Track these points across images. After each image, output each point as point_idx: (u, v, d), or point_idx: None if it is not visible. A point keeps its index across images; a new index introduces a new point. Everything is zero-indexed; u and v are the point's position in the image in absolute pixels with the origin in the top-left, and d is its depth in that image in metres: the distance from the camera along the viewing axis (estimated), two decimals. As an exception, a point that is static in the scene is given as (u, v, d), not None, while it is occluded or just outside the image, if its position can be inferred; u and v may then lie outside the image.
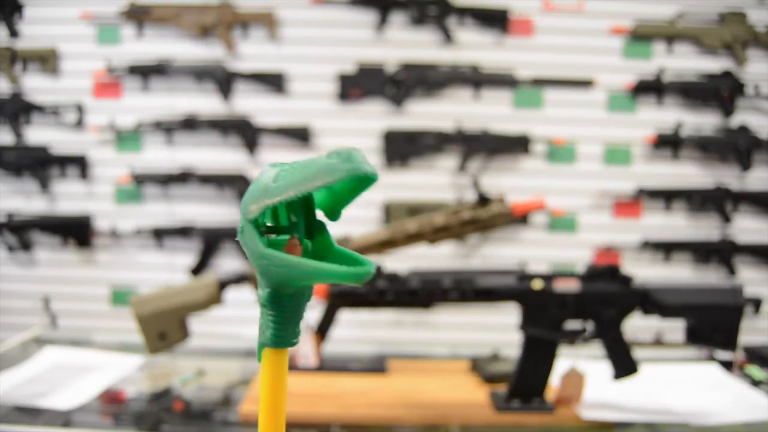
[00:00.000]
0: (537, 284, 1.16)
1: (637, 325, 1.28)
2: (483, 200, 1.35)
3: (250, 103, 2.36)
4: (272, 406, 0.43)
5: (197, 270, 2.37)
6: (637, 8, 2.34)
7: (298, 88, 2.36)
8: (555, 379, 1.20)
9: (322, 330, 1.35)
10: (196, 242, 2.38)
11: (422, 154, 2.35)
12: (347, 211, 0.42)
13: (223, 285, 1.36)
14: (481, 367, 1.37)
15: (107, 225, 2.39)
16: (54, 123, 2.38)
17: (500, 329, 1.74)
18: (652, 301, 1.16)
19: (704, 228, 2.38)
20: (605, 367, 1.20)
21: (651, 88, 2.34)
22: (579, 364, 1.21)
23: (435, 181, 2.37)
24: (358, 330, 2.23)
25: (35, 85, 2.38)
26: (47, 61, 2.35)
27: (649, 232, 2.37)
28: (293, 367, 1.40)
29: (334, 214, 0.42)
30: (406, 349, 1.71)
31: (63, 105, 2.36)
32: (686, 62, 2.36)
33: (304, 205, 0.42)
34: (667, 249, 2.35)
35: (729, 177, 2.37)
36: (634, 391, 1.24)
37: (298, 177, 0.37)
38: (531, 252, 2.37)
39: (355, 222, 2.15)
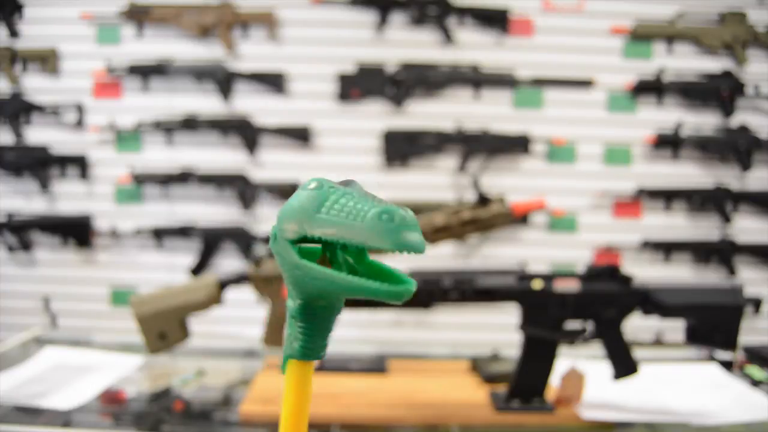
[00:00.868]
0: (537, 284, 1.16)
1: (637, 325, 1.28)
2: (483, 200, 1.35)
3: (250, 103, 2.36)
4: (295, 419, 0.42)
5: (197, 270, 2.37)
6: (637, 8, 2.34)
7: (298, 88, 2.36)
8: (555, 379, 1.20)
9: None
10: (196, 242, 2.38)
11: (422, 154, 2.35)
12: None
13: (223, 285, 1.36)
14: (481, 367, 1.37)
15: (107, 225, 2.39)
16: (54, 123, 2.38)
17: (500, 329, 1.74)
18: (652, 301, 1.16)
19: (704, 228, 2.38)
20: (605, 367, 1.20)
21: (651, 88, 2.34)
22: (579, 364, 1.21)
23: (435, 181, 2.37)
24: (358, 330, 2.23)
25: (35, 85, 2.38)
26: (47, 61, 2.35)
27: (649, 232, 2.37)
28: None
29: None
30: (406, 349, 1.71)
31: (63, 105, 2.36)
32: (686, 62, 2.36)
33: None
34: (667, 249, 2.35)
35: (729, 177, 2.37)
36: (634, 391, 1.24)
37: (343, 227, 0.36)
38: (531, 252, 2.37)
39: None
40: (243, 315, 1.83)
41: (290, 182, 2.34)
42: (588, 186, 2.37)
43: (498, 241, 2.38)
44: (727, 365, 1.44)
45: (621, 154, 2.37)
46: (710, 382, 1.34)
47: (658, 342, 2.24)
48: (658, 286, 1.17)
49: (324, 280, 0.37)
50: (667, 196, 2.35)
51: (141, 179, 2.33)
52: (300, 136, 2.34)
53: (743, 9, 2.34)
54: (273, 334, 1.39)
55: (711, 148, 2.34)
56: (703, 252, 2.37)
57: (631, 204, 2.38)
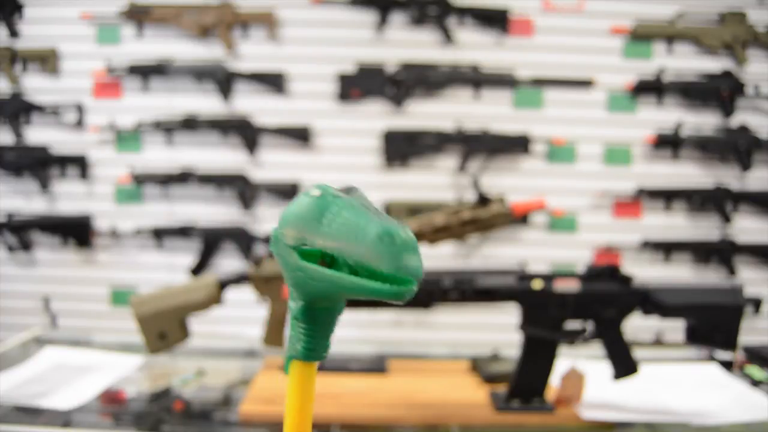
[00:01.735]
0: (537, 284, 1.16)
1: (637, 325, 1.28)
2: (483, 200, 1.35)
3: (250, 103, 2.36)
4: (299, 420, 0.42)
5: (197, 270, 2.37)
6: (637, 8, 2.34)
7: (298, 88, 2.36)
8: (555, 379, 1.19)
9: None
10: (196, 242, 2.38)
11: (422, 154, 2.35)
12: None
13: (223, 285, 1.36)
14: (481, 367, 1.37)
15: (107, 225, 2.39)
16: (54, 123, 2.38)
17: (500, 329, 1.74)
18: (652, 301, 1.16)
19: (704, 228, 2.38)
20: (605, 367, 1.20)
21: (651, 88, 2.34)
22: (579, 364, 1.21)
23: (435, 181, 2.37)
24: (358, 330, 2.23)
25: (35, 85, 2.38)
26: (47, 61, 2.35)
27: (649, 232, 2.37)
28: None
29: None
30: (406, 349, 1.71)
31: (63, 105, 2.36)
32: (686, 62, 2.36)
33: None
34: (667, 249, 2.36)
35: (729, 177, 2.37)
36: (634, 391, 1.24)
37: (344, 242, 0.36)
38: (531, 252, 2.37)
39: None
40: (243, 315, 1.82)
41: (290, 182, 2.34)
42: (588, 186, 2.37)
43: (498, 241, 2.38)
44: (727, 365, 1.44)
45: (621, 154, 2.37)
46: (710, 382, 1.34)
47: (658, 342, 2.24)
48: (658, 286, 1.17)
49: (325, 281, 0.37)
50: (667, 196, 2.35)
51: (141, 179, 2.33)
52: (300, 136, 2.34)
53: (743, 9, 2.34)
54: (273, 334, 1.39)
55: (711, 148, 2.34)
56: (703, 252, 2.37)
57: (631, 204, 2.38)
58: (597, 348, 1.19)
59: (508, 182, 2.35)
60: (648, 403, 1.21)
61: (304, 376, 0.42)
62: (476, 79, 2.33)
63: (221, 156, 2.37)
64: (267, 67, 2.35)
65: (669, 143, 2.34)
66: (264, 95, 2.36)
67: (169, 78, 2.35)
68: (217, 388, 1.34)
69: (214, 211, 2.39)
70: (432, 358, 1.60)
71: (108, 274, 2.42)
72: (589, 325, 1.17)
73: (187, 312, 1.35)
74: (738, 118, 2.35)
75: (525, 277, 1.18)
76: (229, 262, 2.40)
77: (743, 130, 2.33)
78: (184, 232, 2.35)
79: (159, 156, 2.37)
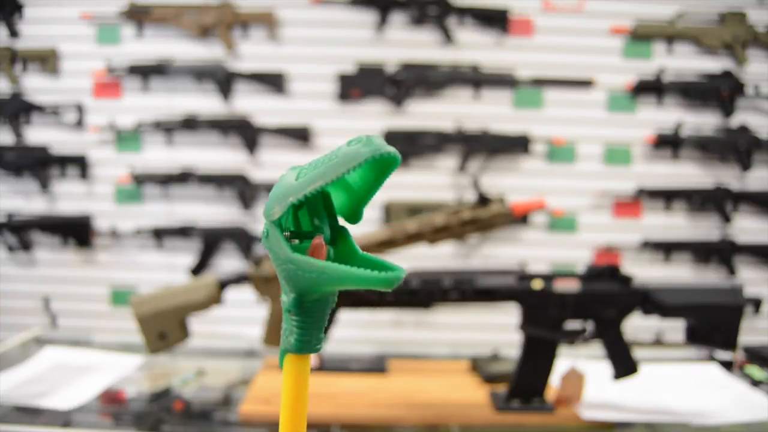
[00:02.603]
0: (537, 284, 1.16)
1: (637, 325, 1.28)
2: (483, 200, 1.35)
3: (250, 103, 2.36)
4: (294, 413, 0.42)
5: (197, 270, 2.37)
6: (637, 8, 2.34)
7: (298, 88, 2.36)
8: (555, 379, 1.20)
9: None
10: (196, 242, 2.38)
11: (422, 154, 2.36)
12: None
13: (223, 285, 1.36)
14: (481, 367, 1.37)
15: (107, 225, 2.39)
16: (54, 123, 2.38)
17: (500, 329, 1.74)
18: (652, 301, 1.16)
19: (704, 228, 2.38)
20: (605, 367, 1.20)
21: (651, 88, 2.34)
22: (579, 364, 1.21)
23: (435, 181, 2.37)
24: (358, 330, 2.23)
25: (35, 85, 2.38)
26: (47, 61, 2.35)
27: (649, 232, 2.37)
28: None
29: (355, 217, 0.42)
30: (406, 349, 1.71)
31: (63, 105, 2.36)
32: (686, 62, 2.36)
33: (325, 209, 0.42)
34: (667, 249, 2.36)
35: (729, 177, 2.37)
36: (634, 391, 1.24)
37: (321, 169, 0.37)
38: (531, 252, 2.37)
39: (355, 222, 2.14)
40: (243, 315, 1.83)
41: (290, 182, 2.33)
42: (588, 186, 2.37)
43: (498, 241, 2.38)
44: (727, 365, 1.44)
45: (621, 154, 2.38)
46: (710, 382, 1.34)
47: (658, 342, 2.24)
48: (658, 286, 1.17)
49: (315, 271, 0.38)
50: (667, 196, 2.35)
51: (141, 179, 2.33)
52: (300, 136, 2.34)
53: (743, 9, 2.34)
54: (273, 334, 1.39)
55: (711, 148, 2.34)
56: (703, 252, 2.37)
57: (631, 204, 2.38)
58: (597, 348, 1.19)
59: (508, 182, 2.35)
60: (648, 403, 1.21)
61: (299, 368, 0.42)
62: (476, 79, 2.33)
63: (221, 156, 2.37)
64: (267, 67, 2.35)
65: (669, 143, 2.34)
66: (264, 95, 2.36)
67: (169, 78, 2.35)
68: (217, 388, 1.34)
69: (214, 211, 2.39)
70: (432, 358, 1.60)
71: (108, 274, 2.42)
72: (589, 325, 1.17)
73: (187, 312, 1.35)
74: (738, 118, 2.35)
75: (525, 277, 1.18)
76: (229, 262, 2.40)
77: (743, 130, 2.33)
78: (184, 232, 2.35)
79: (159, 156, 2.37)
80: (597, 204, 2.38)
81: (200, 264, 2.37)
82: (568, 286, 1.16)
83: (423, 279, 1.17)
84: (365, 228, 1.79)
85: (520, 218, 2.28)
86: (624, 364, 1.17)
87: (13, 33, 2.35)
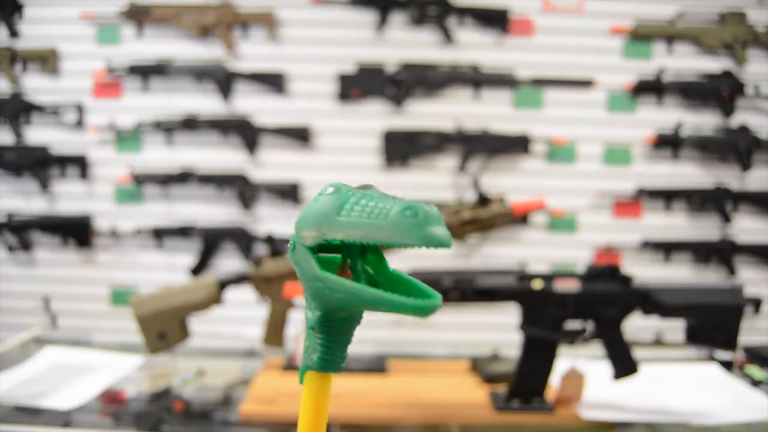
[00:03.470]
0: (537, 284, 1.16)
1: (637, 325, 1.28)
2: (483, 200, 1.35)
3: (250, 103, 2.36)
4: (313, 431, 0.41)
5: (197, 270, 2.37)
6: (637, 8, 2.34)
7: (298, 88, 2.36)
8: (555, 379, 1.20)
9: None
10: (196, 242, 2.38)
11: (422, 154, 2.35)
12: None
13: (223, 285, 1.36)
14: (481, 367, 1.37)
15: (107, 225, 2.39)
16: (54, 123, 2.38)
17: (500, 329, 1.74)
18: (652, 301, 1.16)
19: (704, 228, 2.38)
20: (605, 367, 1.20)
21: (651, 88, 2.34)
22: (579, 364, 1.21)
23: (435, 181, 2.37)
24: (358, 330, 2.22)
25: (35, 85, 2.38)
26: (47, 61, 2.35)
27: (649, 232, 2.37)
28: (292, 366, 1.40)
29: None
30: (406, 349, 1.71)
31: (63, 105, 2.36)
32: (686, 62, 2.36)
33: None
34: (667, 249, 2.35)
35: (729, 177, 2.37)
36: (634, 391, 1.24)
37: (366, 227, 0.34)
38: (531, 252, 2.37)
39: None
40: (243, 315, 1.82)
41: (290, 182, 2.34)
42: (588, 186, 2.37)
43: (498, 241, 2.38)
44: (727, 365, 1.44)
45: (621, 154, 2.37)
46: (710, 382, 1.34)
47: (658, 342, 2.24)
48: (658, 286, 1.17)
49: (345, 292, 0.36)
50: (667, 196, 2.35)
51: (141, 179, 2.33)
52: (300, 136, 2.34)
53: (743, 9, 2.34)
54: (273, 334, 1.39)
55: (711, 148, 2.34)
56: (703, 252, 2.37)
57: (631, 204, 2.38)
58: (597, 348, 1.19)
59: (508, 182, 2.35)
60: (648, 403, 1.21)
61: (320, 387, 0.41)
62: (476, 79, 2.33)
63: (221, 156, 2.37)
64: (267, 67, 2.35)
65: (669, 143, 2.34)
66: (264, 95, 2.36)
67: (169, 78, 2.35)
68: (217, 388, 1.34)
69: (214, 211, 2.39)
70: (432, 358, 1.60)
71: (108, 274, 2.42)
72: (589, 325, 1.17)
73: (187, 312, 1.35)
74: (738, 118, 2.35)
75: (525, 277, 1.18)
76: (229, 262, 2.40)
77: (743, 130, 2.33)
78: (184, 232, 2.35)
79: (159, 156, 2.37)
80: (597, 204, 2.37)
81: (200, 264, 2.37)
82: (568, 286, 1.16)
83: (423, 279, 1.16)
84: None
85: (520, 218, 2.28)
86: (624, 364, 1.17)
87: (13, 33, 2.35)
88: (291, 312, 1.39)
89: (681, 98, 2.36)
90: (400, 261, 1.53)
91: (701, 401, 1.22)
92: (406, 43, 2.35)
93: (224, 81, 2.32)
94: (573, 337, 1.17)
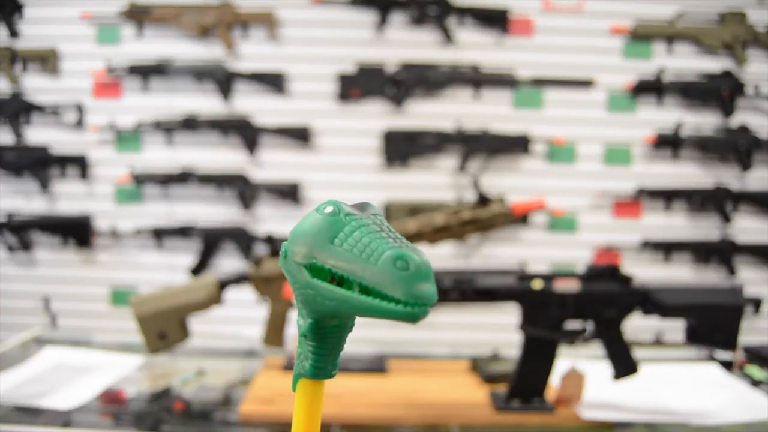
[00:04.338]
0: (537, 284, 1.16)
1: (637, 325, 1.28)
2: (483, 200, 1.35)
3: (250, 103, 2.36)
4: None
5: (197, 270, 2.37)
6: (637, 8, 2.34)
7: (298, 88, 2.36)
8: (555, 379, 1.20)
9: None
10: (196, 242, 2.38)
11: (422, 154, 2.35)
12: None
13: (223, 285, 1.36)
14: (481, 367, 1.37)
15: (107, 225, 2.39)
16: (54, 123, 2.38)
17: (500, 329, 1.74)
18: (652, 301, 1.16)
19: (704, 228, 2.38)
20: (605, 367, 1.20)
21: (651, 88, 2.34)
22: (579, 364, 1.21)
23: (435, 181, 2.37)
24: (358, 330, 2.22)
25: (35, 85, 2.38)
26: (47, 61, 2.35)
27: (649, 232, 2.37)
28: (292, 366, 1.39)
29: None
30: (406, 349, 1.71)
31: (63, 105, 2.36)
32: (686, 62, 2.36)
33: None
34: (667, 249, 2.35)
35: (729, 177, 2.37)
36: (634, 391, 1.24)
37: (356, 263, 0.35)
38: (531, 252, 2.37)
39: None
40: (243, 315, 1.83)
41: (290, 182, 2.34)
42: (588, 186, 2.37)
43: (498, 241, 2.38)
44: (727, 365, 1.44)
45: (621, 154, 2.37)
46: (710, 382, 1.34)
47: (658, 342, 2.24)
48: (658, 286, 1.17)
49: (336, 299, 0.36)
50: (667, 196, 2.35)
51: (141, 179, 2.33)
52: (300, 136, 2.34)
53: (743, 9, 2.34)
54: (273, 334, 1.39)
55: (711, 148, 2.34)
56: (703, 252, 2.37)
57: (631, 204, 2.38)
58: (597, 348, 1.19)
59: (508, 182, 2.35)
60: (648, 403, 1.21)
61: (312, 394, 0.41)
62: (476, 79, 2.33)
63: (221, 156, 2.37)
64: (267, 67, 2.35)
65: (669, 143, 2.34)
66: (264, 95, 2.36)
67: (169, 78, 2.35)
68: (217, 388, 1.34)
69: (214, 211, 2.39)
70: (432, 358, 1.60)
71: (108, 274, 2.42)
72: (589, 325, 1.17)
73: (187, 312, 1.35)
74: (738, 118, 2.35)
75: (525, 277, 1.18)
76: (229, 262, 2.40)
77: (743, 130, 2.33)
78: (184, 232, 2.35)
79: (159, 156, 2.37)
80: (597, 204, 2.38)
81: (200, 264, 2.37)
82: (568, 286, 1.16)
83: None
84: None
85: (520, 218, 2.28)
86: (624, 364, 1.17)
87: (13, 33, 2.35)
88: (291, 312, 1.39)
89: (681, 98, 2.36)
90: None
91: (701, 401, 1.22)
92: (406, 43, 2.35)
93: (224, 81, 2.32)
94: (573, 337, 1.17)
